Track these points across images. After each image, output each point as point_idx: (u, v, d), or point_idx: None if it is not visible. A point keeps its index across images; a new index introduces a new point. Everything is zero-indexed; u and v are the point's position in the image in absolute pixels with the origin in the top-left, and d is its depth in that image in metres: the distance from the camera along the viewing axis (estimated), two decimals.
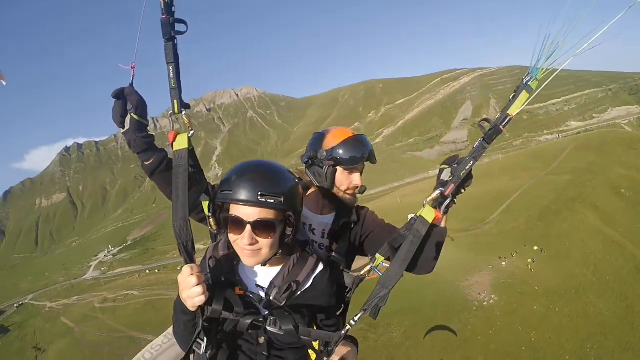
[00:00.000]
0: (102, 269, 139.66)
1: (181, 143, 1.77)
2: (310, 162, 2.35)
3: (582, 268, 33.96)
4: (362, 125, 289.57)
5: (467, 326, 30.43)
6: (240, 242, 1.58)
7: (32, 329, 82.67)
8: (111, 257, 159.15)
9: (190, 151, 1.77)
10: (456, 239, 41.94)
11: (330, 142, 2.29)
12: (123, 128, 1.84)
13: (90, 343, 59.13)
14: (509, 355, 27.41)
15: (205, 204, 1.88)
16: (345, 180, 2.31)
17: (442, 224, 1.93)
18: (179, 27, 1.78)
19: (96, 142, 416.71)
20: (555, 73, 1.55)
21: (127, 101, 1.81)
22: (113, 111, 1.83)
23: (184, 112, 1.85)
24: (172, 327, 1.92)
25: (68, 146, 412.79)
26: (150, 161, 1.90)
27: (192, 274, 1.47)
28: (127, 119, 1.83)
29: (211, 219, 1.83)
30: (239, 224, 1.56)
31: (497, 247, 40.06)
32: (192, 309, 1.52)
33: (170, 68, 1.78)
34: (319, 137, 2.37)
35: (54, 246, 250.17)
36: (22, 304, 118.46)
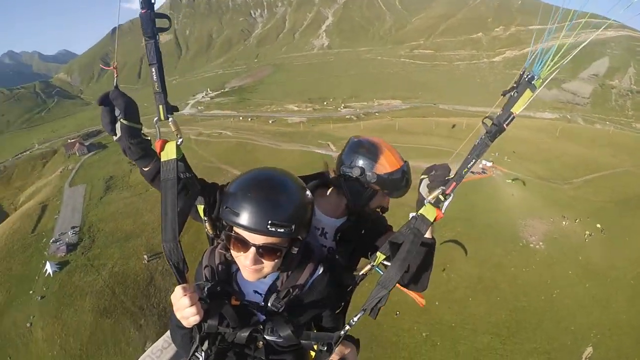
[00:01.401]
0: (199, 107, 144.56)
1: (169, 153, 1.60)
2: (354, 178, 2.19)
3: (628, 266, 33.57)
4: (484, 38, 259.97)
5: (507, 255, 33.10)
6: (243, 260, 1.54)
7: None
8: (208, 99, 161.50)
9: (180, 160, 1.61)
10: (535, 185, 42.85)
11: (384, 167, 2.19)
12: (115, 135, 1.64)
13: None
14: (527, 295, 29.87)
15: (201, 208, 1.76)
16: (377, 202, 2.27)
17: (429, 235, 1.84)
18: (160, 22, 1.57)
19: None
20: (557, 70, 1.54)
21: (115, 106, 1.61)
22: (101, 119, 1.63)
23: (170, 119, 1.62)
24: (165, 335, 1.95)
25: None
26: (149, 168, 1.74)
27: (184, 295, 1.42)
28: (118, 125, 1.62)
29: (207, 223, 1.77)
30: (243, 244, 1.50)
31: (566, 208, 40.32)
32: (187, 326, 1.51)
33: (153, 70, 1.57)
34: (370, 156, 2.22)
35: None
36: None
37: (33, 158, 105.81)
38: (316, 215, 2.18)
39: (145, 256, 40.97)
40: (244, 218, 1.42)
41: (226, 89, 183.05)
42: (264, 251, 1.50)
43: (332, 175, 2.34)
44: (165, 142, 1.63)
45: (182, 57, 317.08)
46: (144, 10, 1.52)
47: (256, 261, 1.51)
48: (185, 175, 1.64)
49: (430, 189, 1.77)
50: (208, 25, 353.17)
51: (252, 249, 1.49)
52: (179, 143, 1.62)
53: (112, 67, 1.68)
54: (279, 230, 1.42)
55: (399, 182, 2.23)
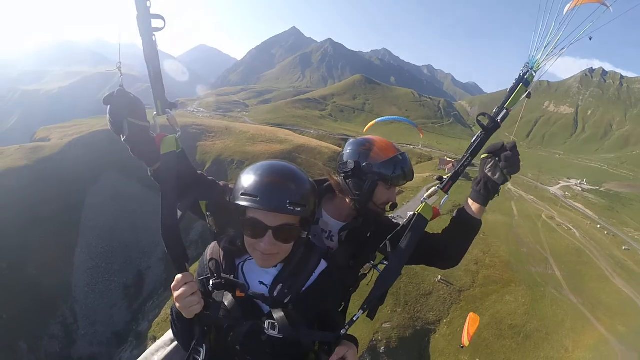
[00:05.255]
0: (566, 193, 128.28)
1: (169, 145, 1.66)
2: (351, 172, 2.15)
3: None
4: None
5: None
6: (258, 246, 1.55)
7: None
8: (579, 189, 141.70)
9: (180, 153, 1.68)
10: None
11: (379, 156, 2.15)
12: (123, 135, 1.63)
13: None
14: None
15: (204, 204, 1.83)
16: (382, 196, 2.18)
17: (479, 216, 1.82)
18: (155, 23, 1.62)
19: (622, 76, 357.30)
20: (551, 65, 1.55)
21: (121, 106, 1.60)
22: (109, 120, 1.62)
23: (168, 114, 1.71)
24: (170, 329, 1.97)
25: (593, 68, 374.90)
26: (156, 167, 1.73)
27: (185, 283, 1.46)
28: (125, 125, 1.61)
29: (210, 218, 1.80)
30: (260, 228, 1.52)
31: None
32: (188, 317, 1.52)
33: (151, 67, 1.64)
34: (364, 148, 2.20)
35: (539, 146, 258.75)
36: None
37: (412, 153, 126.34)
38: (324, 217, 2.26)
39: None
40: (264, 200, 1.46)
41: (601, 189, 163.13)
42: (280, 233, 1.53)
43: (332, 181, 2.30)
44: (164, 135, 1.70)
45: (574, 136, 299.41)
46: (140, 12, 1.61)
47: (272, 245, 1.54)
48: (186, 170, 1.78)
49: (490, 171, 1.82)
50: (611, 113, 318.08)
51: (269, 232, 1.52)
52: (177, 137, 1.72)
53: (116, 68, 1.71)
54: (296, 209, 1.48)
55: (396, 170, 2.17)
